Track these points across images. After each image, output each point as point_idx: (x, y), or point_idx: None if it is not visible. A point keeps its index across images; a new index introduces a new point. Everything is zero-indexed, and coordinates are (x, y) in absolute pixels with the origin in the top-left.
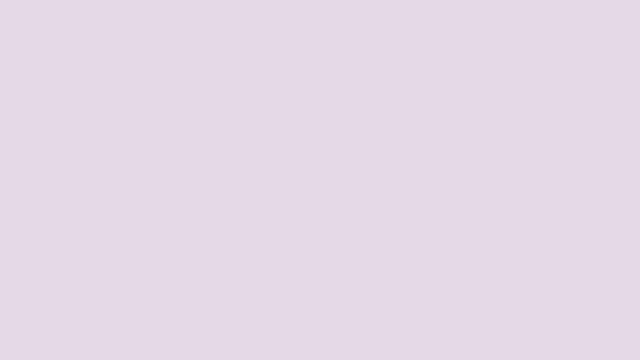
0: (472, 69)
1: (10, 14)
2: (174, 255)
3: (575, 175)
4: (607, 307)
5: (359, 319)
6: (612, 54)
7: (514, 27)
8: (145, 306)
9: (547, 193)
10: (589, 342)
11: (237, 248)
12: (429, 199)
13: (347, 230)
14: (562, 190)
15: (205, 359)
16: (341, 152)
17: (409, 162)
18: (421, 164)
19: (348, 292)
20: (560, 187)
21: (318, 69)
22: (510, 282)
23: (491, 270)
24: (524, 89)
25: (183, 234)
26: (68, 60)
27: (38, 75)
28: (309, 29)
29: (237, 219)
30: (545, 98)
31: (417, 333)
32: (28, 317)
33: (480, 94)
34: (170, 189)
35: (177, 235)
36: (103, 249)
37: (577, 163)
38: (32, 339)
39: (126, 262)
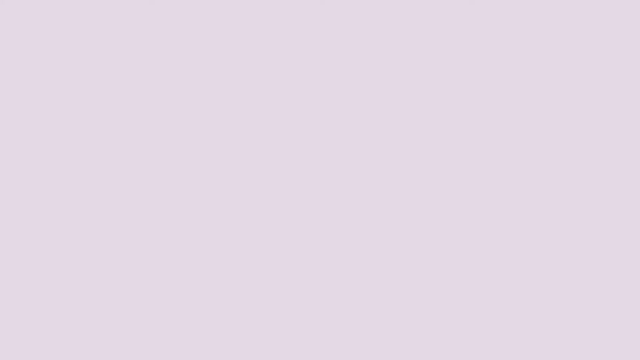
0: (472, 68)
1: (10, 14)
2: (174, 255)
3: (575, 175)
4: (607, 307)
5: (359, 319)
6: (612, 54)
7: (514, 27)
8: (146, 306)
9: (547, 193)
10: (589, 342)
11: (237, 248)
12: (429, 198)
13: (347, 230)
14: (562, 190)
15: (205, 359)
16: (341, 152)
17: (410, 162)
18: (421, 163)
19: (348, 292)
20: (560, 187)
21: (318, 69)
22: (511, 282)
23: (491, 271)
24: (524, 89)
25: (183, 233)
26: (68, 60)
27: (38, 75)
28: (309, 29)
29: (237, 219)
30: (545, 98)
31: (417, 333)
32: (28, 318)
33: (480, 93)
34: (171, 189)
35: (177, 235)
36: (103, 249)
37: (577, 163)
38: (32, 339)
39: (126, 262)
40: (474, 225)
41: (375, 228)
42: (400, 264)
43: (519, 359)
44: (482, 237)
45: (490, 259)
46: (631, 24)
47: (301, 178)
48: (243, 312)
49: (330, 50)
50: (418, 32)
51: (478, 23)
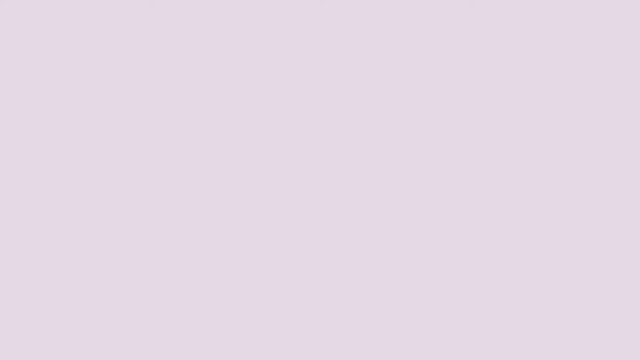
0: (472, 68)
1: (10, 14)
2: (174, 255)
3: (575, 175)
4: (607, 307)
5: (359, 319)
6: (612, 54)
7: (514, 27)
8: (145, 306)
9: (547, 193)
10: (589, 342)
11: (237, 248)
12: (429, 199)
13: (347, 230)
14: (562, 190)
15: (205, 359)
16: (341, 152)
17: (409, 162)
18: (421, 163)
19: (348, 292)
20: (560, 187)
21: (318, 69)
22: (511, 282)
23: (491, 271)
24: (524, 89)
25: (183, 233)
26: (68, 60)
27: (38, 75)
28: (309, 29)
29: (237, 219)
30: (545, 98)
31: (417, 333)
32: (28, 317)
33: (480, 93)
34: (171, 189)
35: (177, 235)
36: (103, 249)
37: (577, 163)
38: (32, 339)
39: (126, 262)
40: (474, 225)
41: (375, 228)
42: (400, 263)
43: (519, 359)
44: (482, 237)
45: (491, 259)
46: (631, 24)
47: (301, 178)
48: (243, 312)
49: (330, 50)
50: (418, 32)
51: (478, 23)
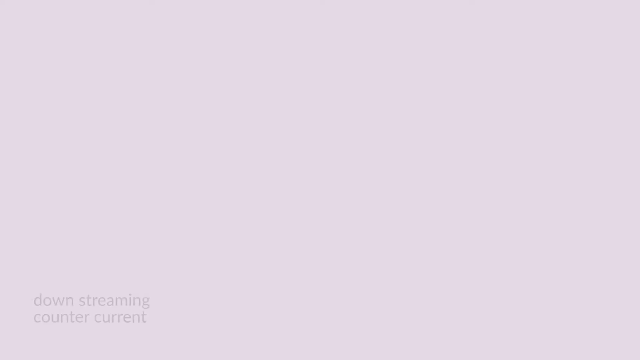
0: (472, 68)
1: (10, 14)
2: (174, 255)
3: (575, 175)
4: (607, 307)
5: (359, 319)
6: (612, 54)
7: (514, 27)
8: (145, 305)
9: (547, 193)
10: (589, 342)
11: (237, 248)
12: (428, 198)
13: (347, 230)
14: (562, 190)
15: (206, 358)
16: (341, 152)
17: (409, 162)
18: (421, 163)
19: (348, 292)
20: (560, 187)
21: (318, 69)
22: (511, 282)
23: (491, 271)
24: (524, 89)
25: (183, 234)
26: (68, 60)
27: (38, 75)
28: (309, 29)
29: (237, 219)
30: (545, 98)
31: (417, 333)
32: (28, 316)
33: (480, 93)
34: (170, 189)
35: (177, 235)
36: (103, 249)
37: (577, 163)
38: (32, 339)
39: (126, 262)
40: (474, 226)
41: (375, 228)
42: (400, 264)
43: (519, 359)
44: (482, 237)
45: (490, 259)
46: (631, 24)
47: (301, 178)
48: (243, 312)
49: (330, 50)
50: (418, 32)
51: (478, 23)
